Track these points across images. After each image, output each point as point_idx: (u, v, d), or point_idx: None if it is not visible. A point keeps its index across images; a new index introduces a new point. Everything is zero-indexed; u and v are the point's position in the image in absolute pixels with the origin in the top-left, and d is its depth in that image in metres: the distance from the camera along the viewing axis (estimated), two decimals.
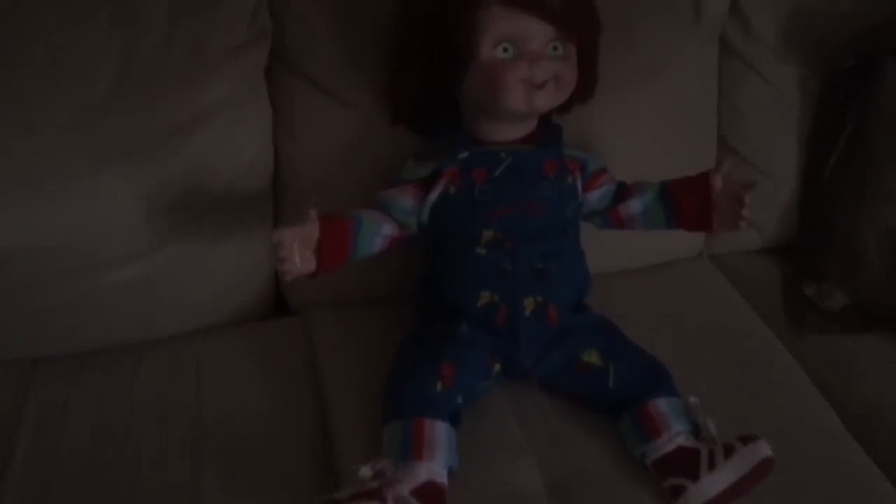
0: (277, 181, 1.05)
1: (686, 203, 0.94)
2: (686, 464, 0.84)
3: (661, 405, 0.89)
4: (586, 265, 0.99)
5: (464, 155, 0.92)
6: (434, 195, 0.93)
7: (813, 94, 1.18)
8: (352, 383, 0.96)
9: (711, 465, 0.83)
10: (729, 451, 0.83)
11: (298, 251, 0.82)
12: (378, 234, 0.92)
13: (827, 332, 1.13)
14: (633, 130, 1.09)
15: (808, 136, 1.20)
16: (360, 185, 1.00)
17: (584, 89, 1.00)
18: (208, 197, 0.98)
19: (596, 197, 0.98)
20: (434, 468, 0.82)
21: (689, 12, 1.11)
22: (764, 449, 0.83)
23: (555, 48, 0.90)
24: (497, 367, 0.93)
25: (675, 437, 0.86)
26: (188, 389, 0.96)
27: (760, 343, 1.11)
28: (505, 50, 0.88)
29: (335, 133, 1.02)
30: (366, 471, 0.77)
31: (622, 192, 0.99)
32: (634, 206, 0.97)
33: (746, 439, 0.84)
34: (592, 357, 0.93)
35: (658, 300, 1.15)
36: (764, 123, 1.20)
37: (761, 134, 1.20)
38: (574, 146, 0.99)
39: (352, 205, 0.96)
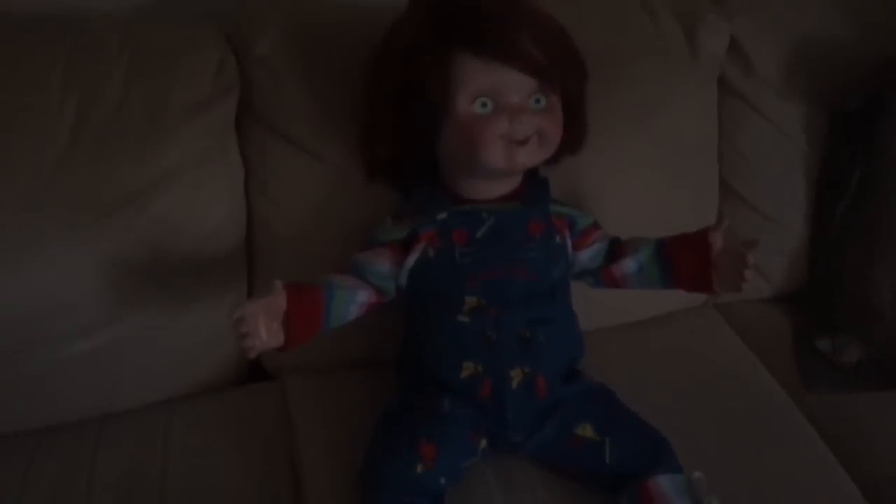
0: (250, 240, 0.99)
1: (683, 262, 0.88)
2: None
3: (663, 483, 0.82)
4: (578, 329, 0.92)
5: (442, 216, 0.86)
6: (412, 259, 0.86)
7: (819, 135, 1.12)
8: (329, 457, 0.90)
9: None
10: None
11: (264, 324, 0.75)
12: (353, 301, 0.85)
13: (842, 390, 1.06)
14: (626, 178, 1.02)
15: (816, 179, 1.13)
16: (337, 245, 0.94)
17: (573, 140, 0.93)
18: (173, 262, 0.91)
19: (587, 256, 0.91)
20: None
21: (685, 51, 1.05)
22: None
23: (537, 101, 0.84)
24: (483, 442, 0.86)
25: None
26: (152, 465, 0.90)
27: (771, 401, 1.04)
28: (483, 105, 0.82)
29: (309, 189, 0.96)
30: None
31: (615, 249, 0.92)
32: (628, 265, 0.90)
33: None
34: (587, 430, 0.86)
35: (660, 355, 1.08)
36: (768, 166, 1.13)
37: (766, 177, 1.13)
38: (562, 200, 0.93)
39: (329, 265, 0.90)
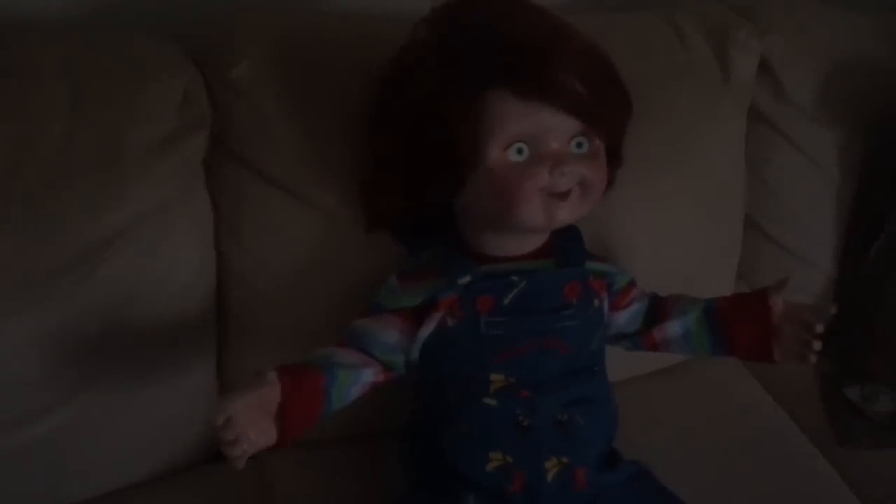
0: (222, 299, 0.83)
1: (740, 329, 0.76)
2: None
3: None
4: (615, 402, 0.80)
5: (465, 279, 0.72)
6: (427, 330, 0.72)
7: (854, 166, 1.02)
8: None
9: None
10: None
11: (253, 423, 0.61)
12: (356, 383, 0.71)
13: (877, 445, 0.97)
14: (658, 220, 0.91)
15: (849, 216, 1.03)
16: (328, 306, 0.80)
17: (610, 180, 0.81)
18: (131, 331, 0.75)
19: (624, 318, 0.79)
20: None
21: (717, 73, 0.94)
22: None
23: (579, 145, 0.71)
24: None
25: None
26: None
27: (801, 458, 0.95)
28: (519, 152, 0.68)
29: (293, 238, 0.81)
30: None
31: (656, 310, 0.80)
32: (673, 329, 0.79)
33: None
34: None
35: (679, 411, 0.98)
36: (796, 199, 1.03)
37: (793, 211, 1.04)
38: (594, 251, 0.81)
39: (318, 329, 0.77)
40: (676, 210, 0.91)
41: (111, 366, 0.76)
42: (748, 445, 0.95)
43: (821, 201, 1.03)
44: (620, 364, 0.90)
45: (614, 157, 0.79)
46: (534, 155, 0.69)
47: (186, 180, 0.78)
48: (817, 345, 0.73)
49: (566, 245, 0.76)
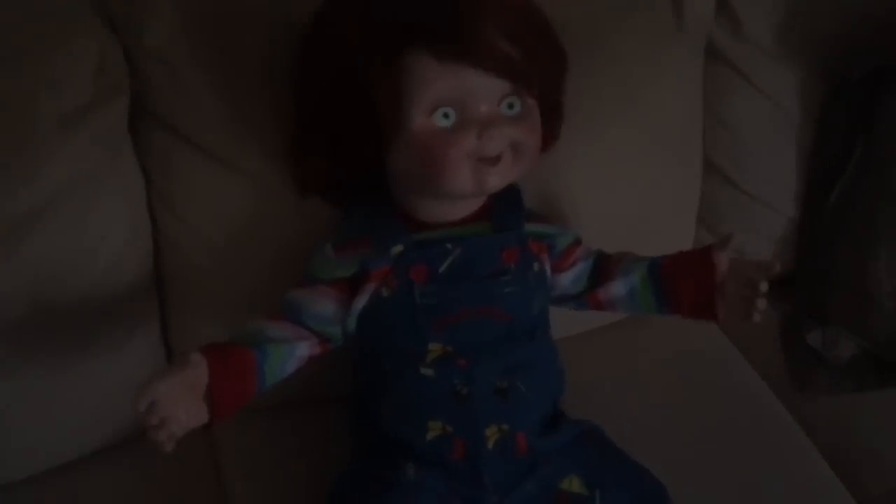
0: (160, 267, 0.81)
1: (683, 287, 0.74)
2: None
3: None
4: (560, 363, 0.79)
5: (397, 249, 0.70)
6: (361, 301, 0.71)
7: (815, 107, 0.98)
8: None
9: None
10: None
11: (180, 405, 0.59)
12: (291, 357, 0.69)
13: (837, 391, 0.97)
14: (608, 170, 0.88)
15: (810, 157, 1.00)
16: (264, 273, 0.79)
17: (548, 138, 0.78)
18: (63, 307, 0.73)
19: (568, 279, 0.77)
20: None
21: (669, 15, 0.89)
22: None
23: (510, 105, 0.67)
24: None
25: None
26: None
27: (760, 407, 0.94)
28: (445, 116, 0.65)
29: (224, 204, 0.78)
30: None
31: (601, 269, 0.78)
32: (617, 289, 0.76)
33: None
34: (573, 485, 0.73)
35: (636, 358, 0.97)
36: (756, 141, 0.99)
37: (753, 153, 1.00)
38: (535, 210, 0.78)
39: (256, 297, 0.75)
40: (625, 159, 0.88)
41: (47, 342, 0.74)
42: (705, 393, 0.94)
43: (781, 143, 0.99)
44: (573, 319, 0.89)
45: (554, 113, 0.76)
46: (461, 119, 0.65)
47: (109, 149, 0.75)
48: (762, 303, 0.71)
49: (504, 207, 0.74)
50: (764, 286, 0.70)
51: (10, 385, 0.74)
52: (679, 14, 0.89)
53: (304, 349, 0.70)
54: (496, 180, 0.68)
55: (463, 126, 0.65)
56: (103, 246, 0.76)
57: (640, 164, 0.90)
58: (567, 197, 0.85)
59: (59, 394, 0.77)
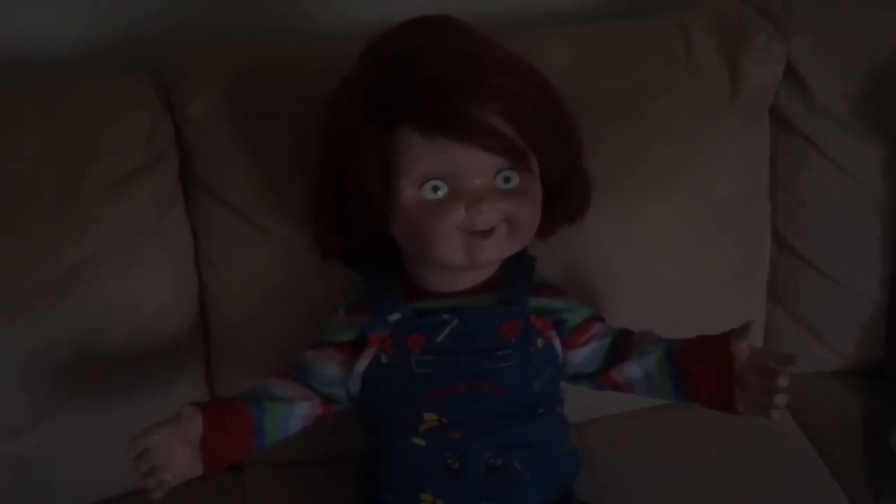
0: (206, 323, 0.86)
1: (700, 375, 0.69)
2: None
3: None
4: (571, 443, 0.76)
5: (394, 317, 0.71)
6: (362, 365, 0.72)
7: None
8: None
9: None
10: None
11: (173, 455, 0.63)
12: (291, 416, 0.71)
13: None
14: (646, 248, 0.85)
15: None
16: (295, 332, 0.80)
17: (572, 209, 0.77)
18: (106, 354, 0.80)
19: (581, 357, 0.74)
20: None
21: (725, 84, 0.85)
22: None
23: (506, 179, 0.67)
24: None
25: None
26: None
27: None
28: (434, 189, 0.66)
29: (259, 267, 0.83)
30: None
31: (619, 348, 0.74)
32: (633, 371, 0.73)
33: None
34: None
35: (685, 444, 0.90)
36: (835, 220, 0.92)
37: (832, 233, 0.93)
38: (554, 284, 0.76)
39: (290, 354, 0.77)
40: (667, 236, 0.85)
41: (85, 388, 0.80)
42: (762, 491, 0.87)
43: (863, 223, 0.91)
44: (616, 398, 0.85)
45: (575, 185, 0.75)
46: (452, 192, 0.66)
47: (156, 210, 0.81)
48: (781, 399, 0.65)
49: (512, 279, 0.73)
50: (783, 380, 0.64)
51: (57, 422, 0.80)
52: (736, 82, 0.85)
53: (306, 409, 0.72)
54: (490, 253, 0.67)
55: (453, 199, 0.66)
56: (147, 299, 0.81)
57: (685, 242, 0.86)
58: (598, 274, 0.83)
59: (103, 434, 0.83)
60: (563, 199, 0.73)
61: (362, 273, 0.77)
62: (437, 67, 0.64)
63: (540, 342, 0.72)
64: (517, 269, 0.74)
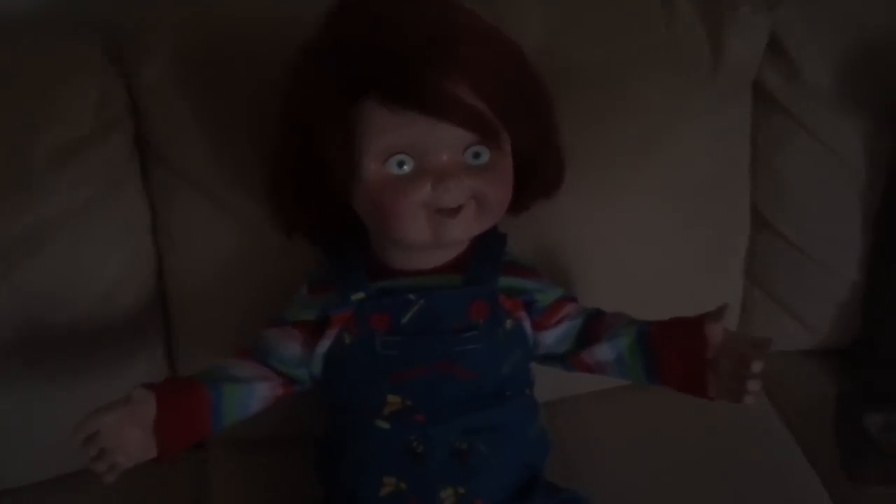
0: (165, 298, 0.83)
1: (671, 358, 0.67)
2: None
3: None
4: (540, 426, 0.74)
5: (358, 296, 0.68)
6: (324, 346, 0.69)
7: (881, 159, 0.87)
8: None
9: None
10: None
11: (125, 438, 0.60)
12: (251, 397, 0.69)
13: (890, 483, 0.85)
14: (623, 225, 0.82)
15: (876, 214, 0.89)
16: (255, 310, 0.77)
17: (546, 183, 0.74)
18: (57, 330, 0.77)
19: (552, 338, 0.72)
20: None
21: (705, 57, 0.82)
22: None
23: (476, 155, 0.64)
24: None
25: None
26: None
27: (800, 490, 0.85)
28: (400, 164, 0.63)
29: (217, 242, 0.80)
30: None
31: (591, 330, 0.72)
32: (604, 352, 0.70)
33: None
34: None
35: (658, 424, 0.88)
36: (815, 197, 0.90)
37: (811, 209, 0.90)
38: (524, 262, 0.74)
39: (243, 331, 0.74)
40: (640, 214, 0.82)
41: (45, 361, 0.78)
42: (734, 471, 0.85)
43: (842, 199, 0.89)
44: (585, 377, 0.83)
45: (549, 161, 0.72)
46: (418, 167, 0.63)
47: (110, 180, 0.77)
48: (754, 385, 0.63)
49: (480, 259, 0.70)
50: (757, 366, 0.63)
51: (8, 398, 0.78)
52: (718, 55, 0.82)
53: (265, 390, 0.69)
54: (457, 232, 0.65)
55: (419, 175, 0.63)
56: (102, 272, 0.78)
57: (661, 220, 0.84)
58: (570, 251, 0.80)
59: (58, 410, 0.80)
60: (537, 174, 0.71)
61: (326, 250, 0.74)
62: (405, 36, 0.61)
63: (509, 323, 0.69)
64: (486, 248, 0.71)
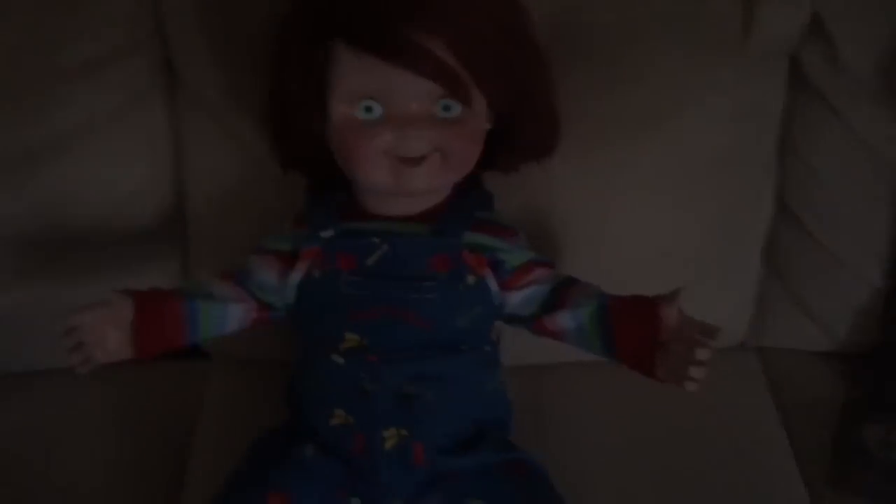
0: (184, 211, 0.88)
1: (625, 333, 0.67)
2: None
3: None
4: (495, 386, 0.75)
5: (327, 234, 0.70)
6: (296, 277, 0.72)
7: None
8: (222, 457, 0.79)
9: None
10: None
11: (108, 336, 0.66)
12: (225, 315, 0.73)
13: (878, 499, 0.81)
14: (618, 198, 0.81)
15: None
16: (257, 234, 0.81)
17: (538, 143, 0.74)
18: (78, 229, 0.83)
19: (518, 299, 0.72)
20: None
21: (730, 35, 0.78)
22: None
23: (446, 107, 0.65)
24: (356, 501, 0.72)
25: None
26: (36, 428, 0.86)
27: (779, 491, 0.82)
28: (368, 109, 0.64)
29: (223, 169, 0.83)
30: None
31: (558, 296, 0.71)
32: (565, 320, 0.70)
33: None
34: None
35: (639, 397, 0.82)
36: (844, 192, 0.85)
37: (839, 205, 0.85)
38: (499, 222, 0.74)
39: (245, 253, 0.78)
40: (638, 188, 0.80)
41: (62, 259, 0.84)
42: (717, 462, 0.83)
43: (875, 199, 0.83)
44: None
45: (540, 123, 0.71)
46: (386, 114, 0.64)
47: (133, 95, 0.82)
48: (698, 372, 0.61)
49: (454, 212, 0.71)
50: (702, 353, 0.61)
51: (25, 292, 0.85)
52: (747, 29, 0.78)
53: (239, 311, 0.73)
54: (417, 182, 0.66)
55: (384, 122, 0.64)
56: (123, 179, 0.84)
57: (660, 197, 0.81)
58: (558, 219, 0.79)
59: (77, 304, 0.87)
60: (521, 133, 0.70)
61: (310, 186, 0.76)
62: None
63: (471, 278, 0.70)
64: (462, 203, 0.72)
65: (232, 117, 0.80)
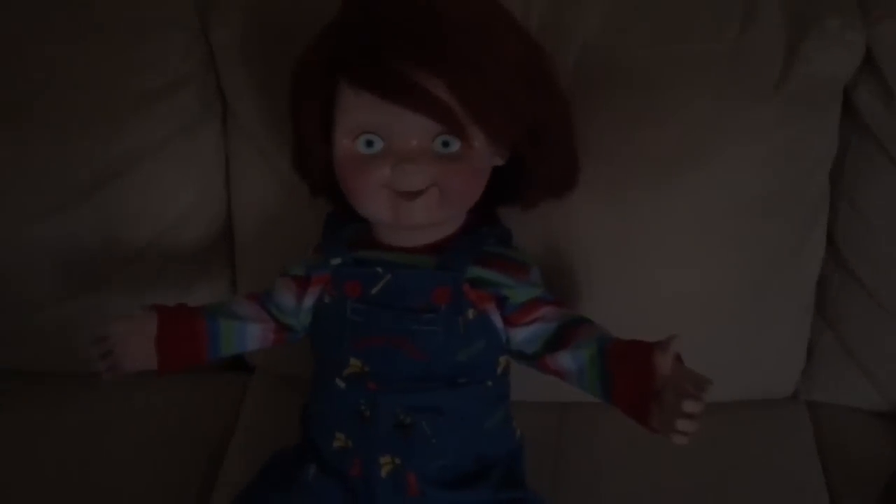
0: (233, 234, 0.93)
1: (621, 379, 0.65)
2: None
3: None
4: (498, 422, 0.74)
5: (336, 261, 0.72)
6: (309, 301, 0.75)
7: None
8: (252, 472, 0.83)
9: None
10: None
11: (134, 347, 0.70)
12: (245, 334, 0.76)
13: None
14: (641, 241, 0.79)
15: None
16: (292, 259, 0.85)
17: (555, 180, 0.73)
18: (132, 247, 0.89)
19: (522, 336, 0.71)
20: None
21: (771, 75, 0.75)
22: None
23: (445, 144, 0.65)
24: None
25: None
26: (82, 435, 0.90)
27: None
28: (368, 143, 0.66)
29: (263, 196, 0.87)
30: None
31: (563, 335, 0.70)
32: (566, 361, 0.69)
33: None
34: None
35: (693, 456, 0.79)
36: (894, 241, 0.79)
37: (889, 255, 0.80)
38: (509, 259, 0.73)
39: None
40: (663, 232, 0.78)
41: (112, 276, 0.90)
42: None
43: None
44: None
45: (559, 157, 0.71)
46: (386, 148, 0.66)
47: (186, 123, 0.87)
48: (684, 425, 0.59)
49: (461, 245, 0.71)
50: (689, 406, 0.58)
51: (76, 303, 0.90)
52: (788, 69, 0.75)
53: (258, 331, 0.76)
54: (416, 217, 0.67)
55: (384, 156, 0.65)
56: (175, 202, 0.89)
57: (686, 242, 0.79)
58: (578, 259, 0.79)
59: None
60: (535, 171, 0.70)
61: (329, 215, 0.79)
62: (383, 19, 0.63)
63: (471, 313, 0.70)
64: (471, 237, 0.72)
65: (273, 148, 0.84)
